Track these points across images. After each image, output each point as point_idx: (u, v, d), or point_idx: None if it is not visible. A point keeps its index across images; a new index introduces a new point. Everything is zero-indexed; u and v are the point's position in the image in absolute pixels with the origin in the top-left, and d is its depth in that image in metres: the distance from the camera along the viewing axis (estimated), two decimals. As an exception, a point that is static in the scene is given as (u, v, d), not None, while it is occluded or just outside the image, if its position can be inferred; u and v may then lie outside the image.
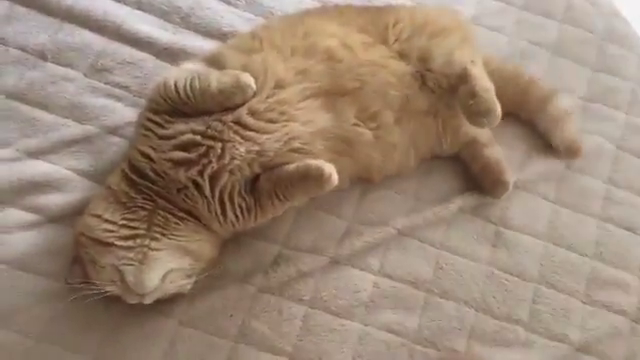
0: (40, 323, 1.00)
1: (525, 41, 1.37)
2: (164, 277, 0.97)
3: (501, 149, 1.21)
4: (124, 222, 0.97)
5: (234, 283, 1.07)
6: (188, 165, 0.98)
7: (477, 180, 1.19)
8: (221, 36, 1.27)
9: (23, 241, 1.05)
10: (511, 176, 1.18)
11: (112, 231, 0.96)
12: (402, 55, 1.13)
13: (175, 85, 0.98)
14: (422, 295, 1.10)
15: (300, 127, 1.02)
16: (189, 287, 1.01)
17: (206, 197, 0.99)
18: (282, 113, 1.02)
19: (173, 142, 0.98)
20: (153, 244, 0.96)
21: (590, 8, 1.45)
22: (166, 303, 1.02)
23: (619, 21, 1.45)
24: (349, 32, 1.11)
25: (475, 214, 1.18)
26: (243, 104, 1.00)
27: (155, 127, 0.99)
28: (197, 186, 0.98)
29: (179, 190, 0.99)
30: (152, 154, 0.98)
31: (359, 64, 1.08)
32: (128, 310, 1.01)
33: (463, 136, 1.18)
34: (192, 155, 0.97)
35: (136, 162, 1.00)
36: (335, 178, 0.98)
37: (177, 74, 1.01)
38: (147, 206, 0.98)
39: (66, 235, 1.05)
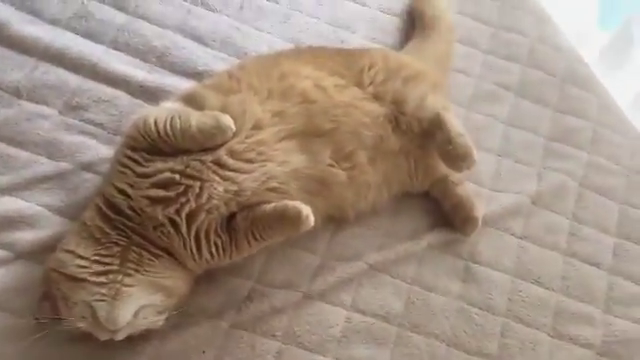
0: (4, 361, 0.99)
1: (490, 83, 1.42)
2: (136, 313, 0.96)
3: (469, 186, 1.25)
4: (97, 258, 0.97)
5: (206, 319, 1.07)
6: (166, 203, 0.99)
7: (448, 217, 1.22)
8: (196, 75, 1.29)
9: (-9, 277, 1.04)
10: (480, 212, 1.21)
11: (85, 267, 0.96)
12: (376, 97, 1.16)
13: (155, 123, 1.00)
14: (394, 330, 1.11)
15: (277, 167, 1.04)
16: (161, 323, 1.00)
17: (182, 235, 1.00)
18: (260, 153, 1.04)
19: (151, 180, 0.99)
20: (126, 280, 0.96)
21: (553, 53, 1.51)
22: (137, 340, 1.01)
23: (581, 65, 1.52)
24: (323, 75, 1.15)
25: (445, 250, 1.21)
26: (222, 145, 1.02)
27: (133, 164, 1.00)
28: (174, 224, 0.99)
29: (155, 227, 0.99)
30: (129, 191, 0.99)
31: (333, 105, 1.11)
32: (97, 348, 1.00)
33: (434, 174, 1.22)
34: (170, 193, 0.98)
35: (112, 198, 1.00)
36: (312, 219, 1.00)
37: (157, 112, 1.02)
38: (121, 242, 0.98)
39: (35, 272, 1.04)
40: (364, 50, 1.26)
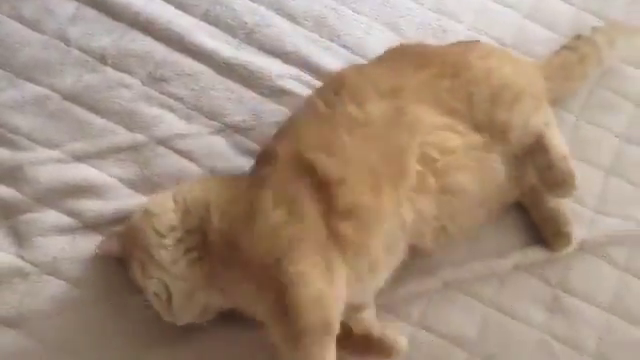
0: (57, 331, 0.98)
1: (607, 89, 1.26)
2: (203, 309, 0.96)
3: (569, 204, 1.11)
4: (184, 261, 0.94)
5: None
6: None
7: (538, 230, 1.10)
8: (283, 55, 1.23)
9: (56, 245, 1.04)
10: (574, 229, 1.09)
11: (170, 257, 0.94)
12: (480, 128, 1.04)
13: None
14: (464, 356, 1.02)
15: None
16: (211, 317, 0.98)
17: None
18: None
19: None
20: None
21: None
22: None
23: None
24: (444, 124, 1.02)
25: (532, 273, 1.09)
26: None
27: None
28: None
29: None
30: None
31: (453, 170, 1.01)
32: (152, 329, 0.98)
33: (526, 183, 1.10)
34: None
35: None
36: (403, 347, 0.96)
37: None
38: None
39: (97, 242, 1.02)
40: (467, 63, 1.08)
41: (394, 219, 0.95)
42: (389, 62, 1.12)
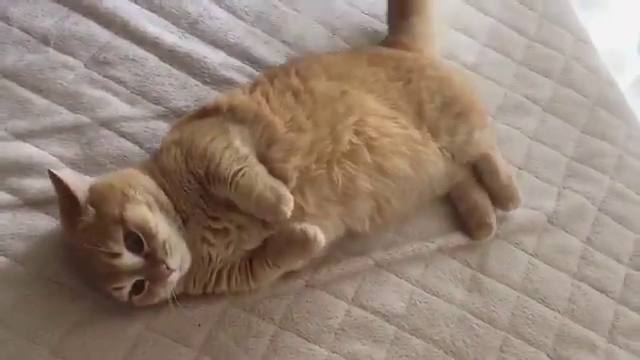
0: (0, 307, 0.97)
1: (520, 95, 1.40)
2: None
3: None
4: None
5: (205, 295, 1.04)
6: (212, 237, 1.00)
7: (462, 220, 1.20)
8: (226, 47, 1.28)
9: (-4, 221, 1.03)
10: (495, 221, 1.20)
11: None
12: (432, 133, 1.14)
13: (218, 164, 0.97)
14: (392, 329, 1.09)
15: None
16: None
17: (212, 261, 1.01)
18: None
19: (209, 222, 0.99)
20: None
21: (587, 73, 1.48)
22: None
23: (613, 90, 1.49)
24: (387, 113, 1.11)
25: (454, 256, 1.19)
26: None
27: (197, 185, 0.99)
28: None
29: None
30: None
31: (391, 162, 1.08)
32: (95, 307, 0.99)
33: (455, 177, 1.20)
34: (217, 242, 0.99)
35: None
36: (321, 239, 0.98)
37: (227, 153, 0.98)
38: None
39: (40, 220, 1.04)
40: (421, 71, 1.18)
41: (321, 173, 1.03)
42: (345, 54, 1.20)
